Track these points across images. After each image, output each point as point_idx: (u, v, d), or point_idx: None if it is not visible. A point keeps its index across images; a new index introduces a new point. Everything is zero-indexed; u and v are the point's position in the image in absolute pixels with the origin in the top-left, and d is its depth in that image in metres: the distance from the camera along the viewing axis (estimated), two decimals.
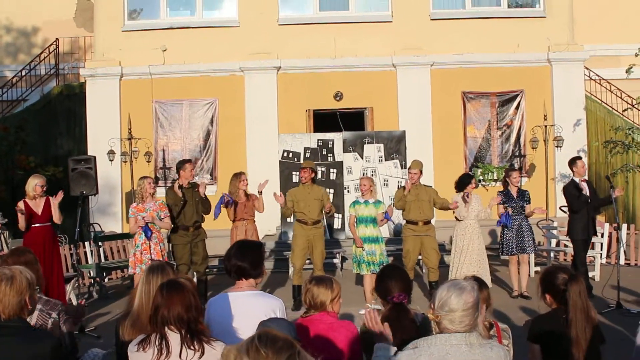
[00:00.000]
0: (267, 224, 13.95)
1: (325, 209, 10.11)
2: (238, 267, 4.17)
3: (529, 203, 10.49)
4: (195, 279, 9.71)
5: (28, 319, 3.66)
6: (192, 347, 3.35)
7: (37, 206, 9.27)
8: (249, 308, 4.07)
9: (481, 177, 15.30)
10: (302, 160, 14.27)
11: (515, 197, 10.40)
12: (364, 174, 14.08)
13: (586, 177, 10.39)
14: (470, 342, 3.01)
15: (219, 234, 11.64)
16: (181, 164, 10.11)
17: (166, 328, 3.38)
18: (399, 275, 4.12)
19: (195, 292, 3.52)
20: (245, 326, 3.94)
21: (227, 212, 10.24)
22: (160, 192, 15.00)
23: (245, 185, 10.18)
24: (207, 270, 10.19)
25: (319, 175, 14.34)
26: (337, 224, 14.39)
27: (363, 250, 9.66)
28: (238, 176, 10.24)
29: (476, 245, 9.97)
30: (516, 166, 15.57)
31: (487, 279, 9.78)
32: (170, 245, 10.14)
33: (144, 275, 4.01)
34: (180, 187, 9.83)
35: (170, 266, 4.15)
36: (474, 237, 9.97)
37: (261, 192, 10.23)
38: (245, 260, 4.17)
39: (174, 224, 9.81)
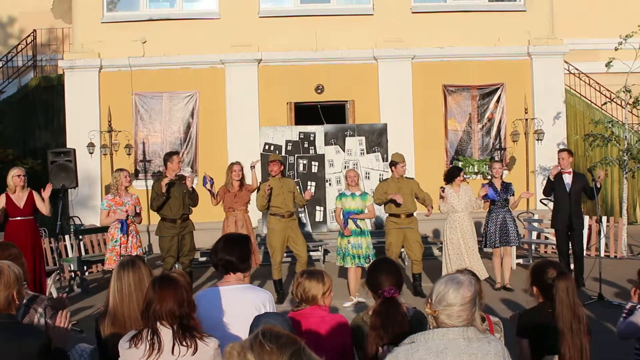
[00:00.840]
0: None
1: (306, 196, 10.05)
2: (225, 261, 4.12)
3: (513, 195, 10.47)
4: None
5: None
6: (184, 343, 3.31)
7: (19, 199, 9.18)
8: (239, 302, 4.02)
9: None
10: (283, 153, 14.25)
11: (499, 189, 10.38)
12: (345, 167, 14.10)
13: (570, 169, 10.37)
14: (468, 336, 3.00)
15: (207, 226, 11.62)
16: (168, 156, 9.96)
17: (158, 323, 3.34)
18: (391, 269, 4.08)
19: (189, 288, 3.47)
20: (236, 320, 3.91)
21: (210, 200, 10.10)
22: (140, 184, 14.99)
23: (237, 177, 9.96)
24: (191, 262, 10.10)
25: (301, 168, 14.34)
26: (318, 217, 14.38)
27: (349, 243, 9.62)
28: (230, 167, 10.09)
29: (469, 237, 9.92)
30: (497, 159, 15.63)
31: (482, 271, 9.78)
32: (158, 237, 10.03)
33: (114, 272, 3.94)
34: (171, 182, 9.72)
35: (141, 259, 4.10)
36: (465, 230, 9.91)
37: (253, 166, 10.18)
38: (233, 254, 4.11)
39: (161, 216, 9.76)
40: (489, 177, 10.66)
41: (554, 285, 3.99)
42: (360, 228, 9.69)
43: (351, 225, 9.62)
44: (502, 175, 10.57)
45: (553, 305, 3.97)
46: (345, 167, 14.16)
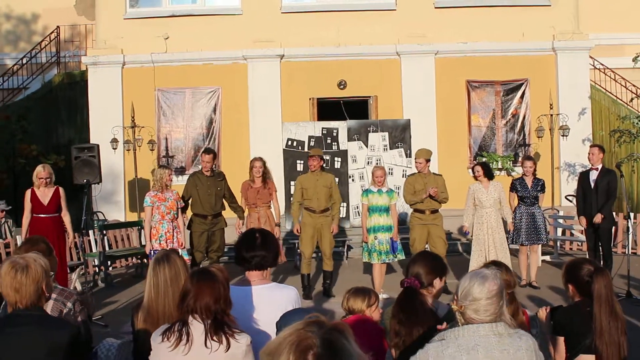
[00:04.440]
0: None
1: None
2: (261, 257, 3.92)
3: (544, 192, 10.36)
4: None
5: (44, 308, 3.61)
6: (215, 339, 3.27)
7: (44, 196, 9.03)
8: (266, 302, 3.89)
9: None
10: (306, 149, 14.20)
11: (530, 186, 10.23)
12: (368, 163, 14.04)
13: (599, 166, 10.15)
14: (499, 332, 2.97)
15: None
16: (202, 154, 10.17)
17: (190, 317, 3.31)
18: (423, 259, 4.03)
19: (226, 284, 3.43)
20: (263, 320, 3.82)
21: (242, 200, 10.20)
22: None
23: (258, 173, 9.94)
24: (219, 258, 10.12)
25: (323, 164, 14.30)
26: (341, 213, 14.30)
27: (376, 239, 9.51)
28: (251, 163, 10.11)
29: (496, 234, 9.80)
30: (520, 155, 15.51)
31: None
32: (189, 232, 10.04)
33: (150, 267, 3.90)
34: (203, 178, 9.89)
35: (176, 253, 4.06)
36: (492, 226, 9.79)
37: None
38: (269, 249, 3.95)
39: (193, 211, 9.80)
40: (513, 173, 10.52)
41: (592, 281, 3.90)
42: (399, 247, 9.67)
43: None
44: (534, 172, 10.33)
45: (591, 302, 3.89)
46: (368, 163, 14.10)
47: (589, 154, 10.32)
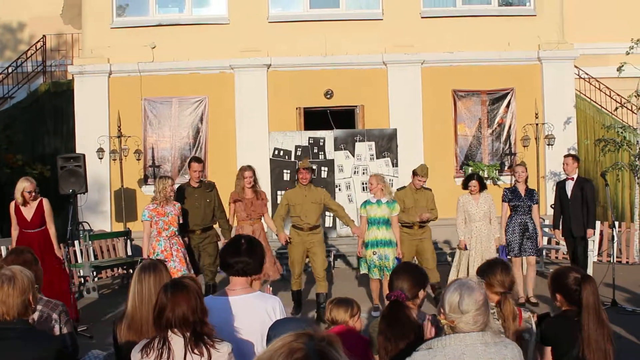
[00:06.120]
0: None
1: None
2: (244, 264, 3.88)
3: (537, 203, 10.01)
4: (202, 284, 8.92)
5: (30, 320, 3.59)
6: (196, 352, 3.25)
7: (28, 211, 8.71)
8: (248, 311, 3.84)
9: None
10: (293, 159, 14.20)
11: (522, 195, 9.84)
12: (355, 172, 14.05)
13: (574, 175, 10.23)
14: (486, 341, 2.99)
15: None
16: (189, 163, 9.69)
17: (169, 332, 3.28)
18: (406, 273, 4.02)
19: (200, 293, 3.40)
20: (244, 330, 3.78)
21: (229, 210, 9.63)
22: (149, 190, 14.97)
23: (249, 184, 9.27)
24: (215, 274, 9.55)
25: None
26: (328, 222, 14.33)
27: (375, 254, 9.03)
28: (241, 173, 9.39)
29: (485, 248, 9.55)
30: (506, 164, 15.58)
31: None
32: None
33: (135, 275, 3.88)
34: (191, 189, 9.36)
35: (163, 263, 4.04)
36: (482, 240, 9.56)
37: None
38: (254, 257, 3.91)
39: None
40: (499, 182, 10.50)
41: (580, 289, 3.91)
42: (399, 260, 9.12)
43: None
44: (525, 180, 10.03)
45: (580, 311, 3.89)
46: (354, 173, 14.14)
47: (563, 164, 10.32)
